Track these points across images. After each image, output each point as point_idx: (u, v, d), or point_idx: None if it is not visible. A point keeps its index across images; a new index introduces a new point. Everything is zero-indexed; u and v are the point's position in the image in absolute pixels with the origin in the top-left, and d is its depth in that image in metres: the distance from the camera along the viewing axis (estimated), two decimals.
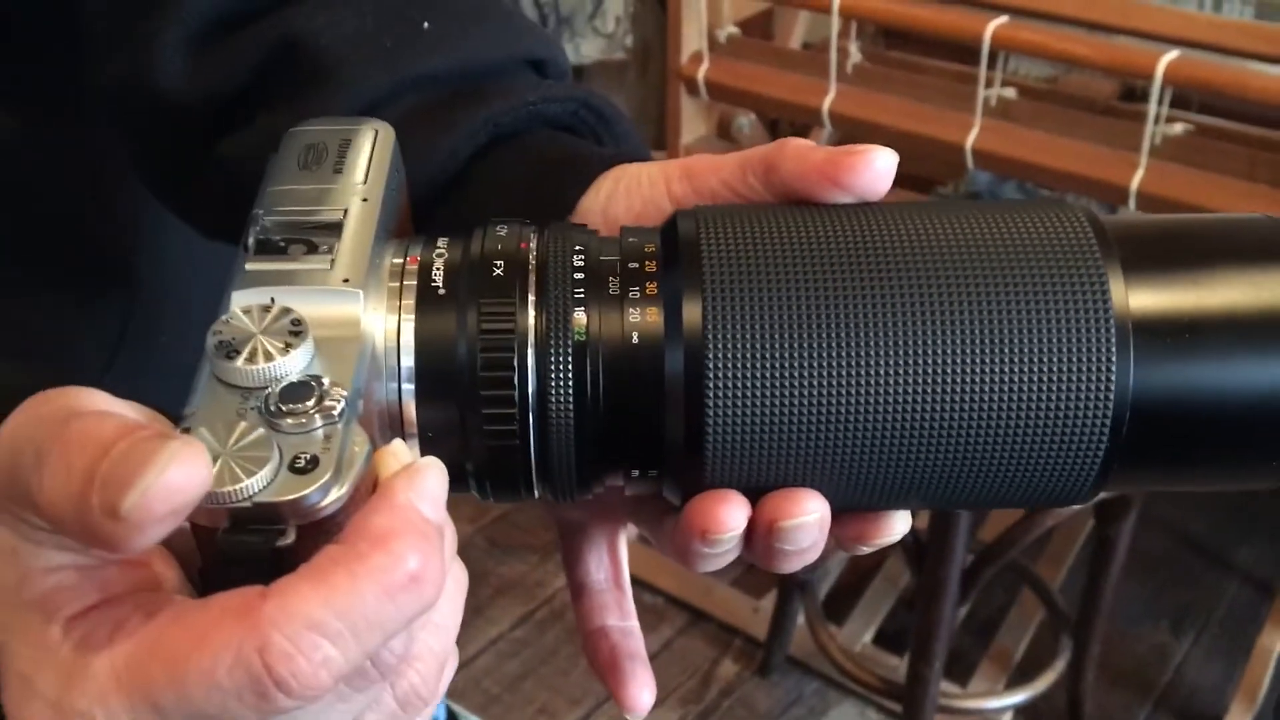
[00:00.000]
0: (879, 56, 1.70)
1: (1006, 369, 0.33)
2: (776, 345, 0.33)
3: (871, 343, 0.33)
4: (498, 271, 0.35)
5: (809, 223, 0.35)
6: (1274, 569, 1.85)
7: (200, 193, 0.46)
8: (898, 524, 0.37)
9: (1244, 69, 1.27)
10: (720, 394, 0.33)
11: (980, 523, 1.72)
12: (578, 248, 0.35)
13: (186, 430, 0.28)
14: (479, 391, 0.34)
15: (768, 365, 0.33)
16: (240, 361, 0.29)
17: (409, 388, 0.34)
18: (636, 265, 0.35)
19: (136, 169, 0.48)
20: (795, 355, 0.33)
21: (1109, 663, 1.74)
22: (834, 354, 0.33)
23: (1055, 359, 0.33)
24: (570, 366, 0.34)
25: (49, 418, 0.27)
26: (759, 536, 0.35)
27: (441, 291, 0.34)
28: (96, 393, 0.29)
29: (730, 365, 0.33)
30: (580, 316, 0.34)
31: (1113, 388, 0.33)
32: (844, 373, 0.33)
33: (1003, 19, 1.34)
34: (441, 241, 0.36)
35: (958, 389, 0.33)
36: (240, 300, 0.31)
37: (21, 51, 0.49)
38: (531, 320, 0.34)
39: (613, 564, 0.45)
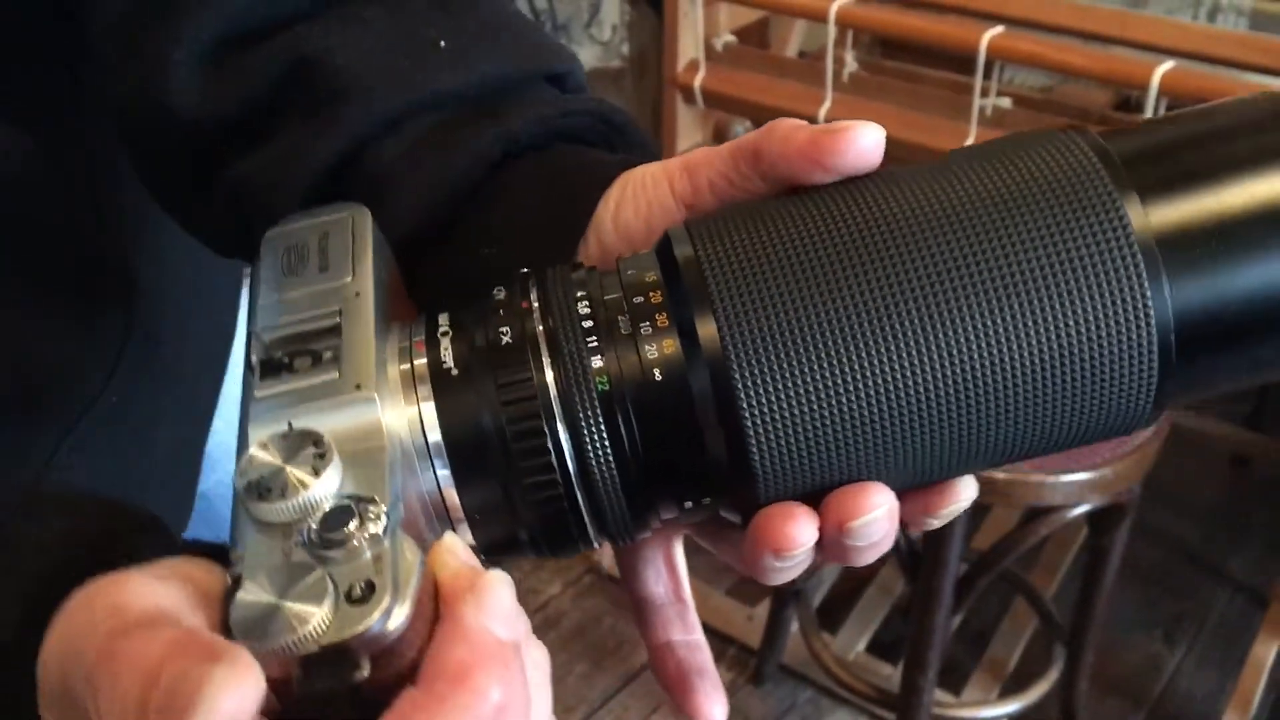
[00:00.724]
0: (875, 66, 1.71)
1: (1039, 320, 0.32)
2: (801, 344, 0.32)
3: (895, 322, 0.32)
4: (506, 339, 0.34)
5: (805, 212, 0.34)
6: (1267, 579, 1.85)
7: (212, 212, 0.45)
8: (964, 490, 0.36)
9: (1239, 80, 1.28)
10: (755, 407, 0.32)
11: (974, 532, 1.72)
12: (580, 295, 0.35)
13: (237, 578, 0.28)
14: (516, 464, 0.33)
15: (796, 367, 0.32)
16: (274, 500, 0.28)
17: (445, 473, 0.33)
18: (642, 299, 0.34)
19: (147, 188, 0.48)
20: (821, 350, 0.32)
21: (1102, 672, 1.74)
22: (860, 341, 0.32)
23: (1088, 298, 0.32)
24: (601, 418, 0.33)
25: (96, 628, 0.27)
26: (830, 538, 0.34)
27: (455, 372, 0.34)
28: (137, 580, 0.29)
29: (758, 375, 0.32)
30: (599, 364, 0.33)
31: (1151, 313, 0.32)
32: (873, 358, 0.32)
33: (998, 29, 1.35)
34: (442, 319, 0.35)
35: (989, 351, 0.32)
36: (258, 434, 0.30)
37: (21, 56, 0.49)
38: (551, 380, 0.33)
39: (671, 577, 0.44)
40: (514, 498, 0.34)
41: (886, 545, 0.35)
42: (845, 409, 0.32)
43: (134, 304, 0.57)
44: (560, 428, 0.33)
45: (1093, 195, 0.32)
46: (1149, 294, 0.32)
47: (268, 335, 0.33)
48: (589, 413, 0.33)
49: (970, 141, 1.38)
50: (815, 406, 0.32)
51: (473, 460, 0.33)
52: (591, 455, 0.33)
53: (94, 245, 0.55)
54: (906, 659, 1.49)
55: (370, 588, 0.27)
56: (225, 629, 0.27)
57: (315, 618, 0.26)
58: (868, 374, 0.32)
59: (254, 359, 0.33)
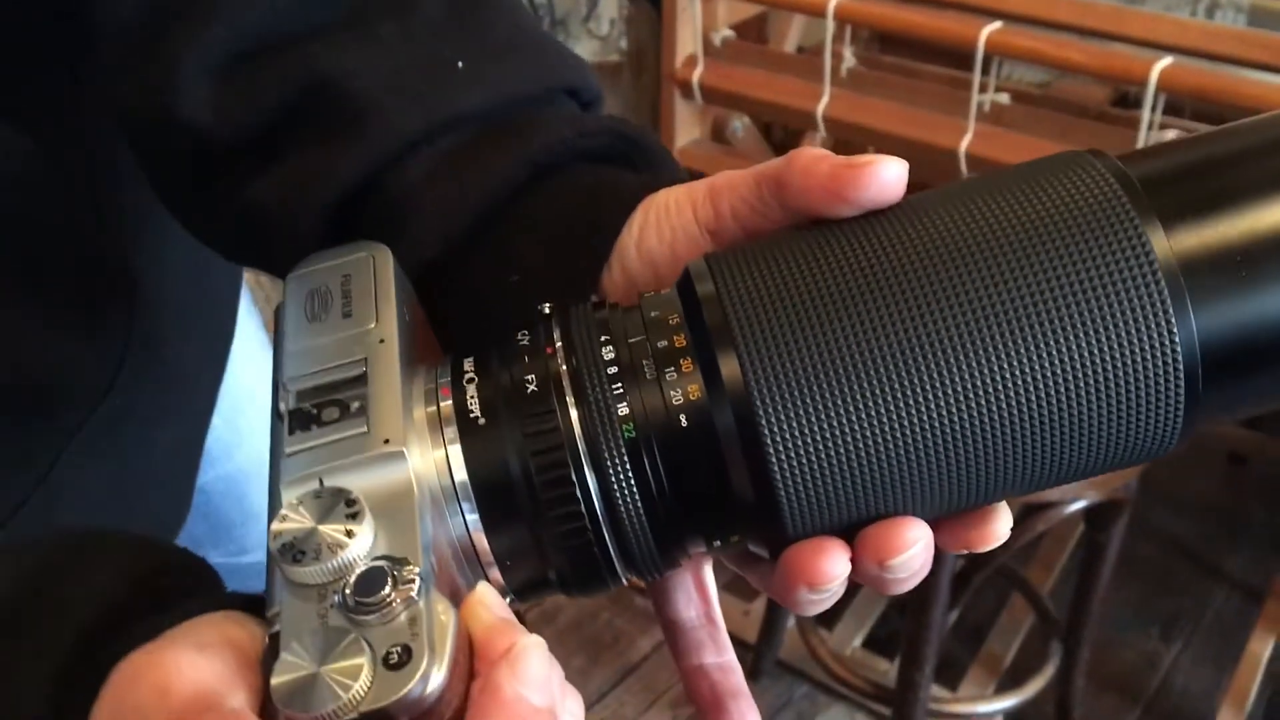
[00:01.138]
0: (873, 61, 1.71)
1: (1064, 350, 0.32)
2: (824, 381, 0.32)
3: (920, 357, 0.32)
4: (531, 387, 0.34)
5: (827, 246, 0.34)
6: (1263, 576, 1.85)
7: (222, 223, 0.45)
8: (1001, 525, 0.36)
9: (1237, 76, 1.27)
10: (780, 445, 0.32)
11: None
12: (604, 338, 0.35)
13: (274, 637, 0.28)
14: (544, 511, 0.33)
15: (820, 404, 0.32)
16: (308, 564, 0.29)
17: (474, 519, 0.34)
18: (665, 343, 0.34)
19: (156, 193, 0.47)
20: (845, 387, 0.32)
21: (1098, 668, 1.75)
22: (885, 377, 0.32)
23: (1112, 327, 0.32)
24: (628, 463, 0.33)
25: (144, 713, 0.28)
26: (869, 573, 0.34)
27: (481, 421, 0.34)
28: (180, 655, 0.29)
29: (783, 414, 0.32)
30: (624, 410, 0.33)
31: (1177, 340, 0.32)
32: (898, 393, 0.32)
33: (997, 25, 1.35)
34: (467, 364, 0.35)
35: (1014, 383, 0.32)
36: (290, 493, 0.31)
37: (20, 55, 0.49)
38: (577, 427, 0.33)
39: (702, 600, 0.44)
40: (543, 542, 0.34)
41: (924, 573, 0.35)
42: (871, 445, 0.32)
43: (135, 304, 0.57)
44: (588, 473, 0.33)
45: (1115, 223, 0.32)
46: (1174, 321, 0.32)
47: (294, 386, 0.33)
48: (616, 459, 0.33)
49: (968, 138, 1.39)
50: (840, 444, 0.32)
51: (502, 509, 0.33)
52: (620, 500, 0.33)
53: (94, 245, 0.55)
54: (903, 654, 1.49)
55: (408, 652, 0.27)
56: (265, 696, 0.28)
57: (355, 685, 0.27)
58: (893, 410, 0.32)
59: (283, 409, 0.33)
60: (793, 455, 0.32)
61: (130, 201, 0.55)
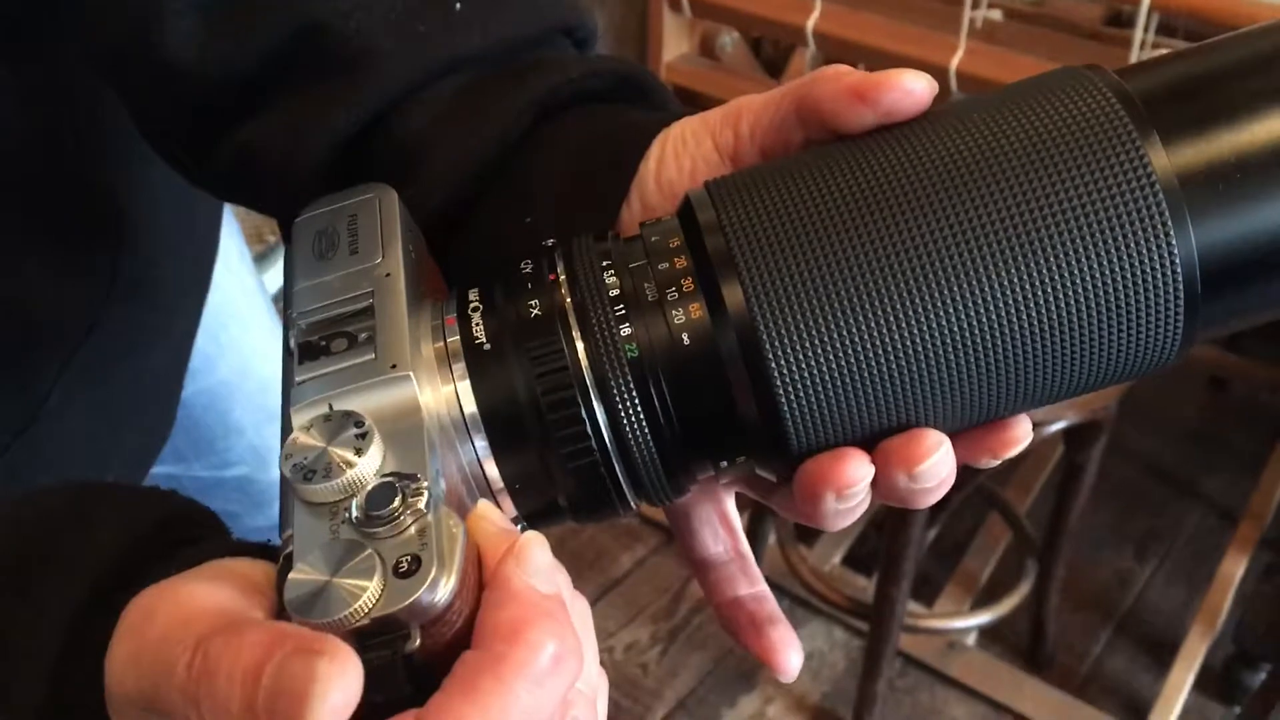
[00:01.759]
0: None
1: (1065, 264, 0.32)
2: (826, 297, 0.32)
3: (920, 271, 0.32)
4: (535, 312, 0.34)
5: (825, 165, 0.34)
6: (1239, 498, 1.87)
7: (214, 166, 0.44)
8: (1019, 430, 0.36)
9: None
10: (782, 362, 0.33)
11: None
12: (605, 264, 0.35)
13: (288, 557, 0.29)
14: (553, 433, 0.34)
15: (823, 320, 0.32)
16: (319, 482, 0.29)
17: (483, 445, 0.34)
18: (666, 265, 0.34)
19: (143, 136, 0.47)
20: (847, 301, 0.32)
21: (1073, 587, 1.77)
22: (885, 291, 0.32)
23: (1112, 241, 0.32)
24: (632, 384, 0.34)
25: (171, 641, 0.28)
26: (894, 485, 0.35)
27: (487, 347, 0.34)
28: (192, 586, 0.30)
29: (785, 332, 0.32)
30: (627, 332, 0.34)
31: (1176, 253, 0.32)
32: (897, 307, 0.32)
33: None
34: (472, 294, 0.36)
35: (1012, 298, 0.32)
36: (300, 418, 0.31)
37: None
38: (581, 350, 0.34)
39: (729, 534, 0.44)
40: (551, 466, 0.34)
41: (950, 483, 0.35)
42: (874, 361, 0.33)
43: (121, 232, 0.57)
44: (593, 395, 0.34)
45: (1114, 138, 0.32)
46: (1173, 234, 0.32)
47: (304, 320, 0.34)
48: (620, 380, 0.34)
49: (959, 55, 1.37)
50: (840, 359, 0.33)
51: (509, 432, 0.34)
52: (625, 421, 0.34)
53: (77, 174, 0.54)
54: (881, 571, 1.51)
55: (416, 561, 0.28)
56: (280, 611, 0.29)
57: (365, 592, 0.27)
58: (895, 326, 0.32)
59: (293, 343, 0.33)
60: (796, 372, 0.33)
61: (113, 130, 0.54)
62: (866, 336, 0.32)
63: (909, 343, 0.32)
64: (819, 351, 0.32)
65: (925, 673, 1.71)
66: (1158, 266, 0.32)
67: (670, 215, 0.36)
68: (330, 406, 0.32)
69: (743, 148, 0.38)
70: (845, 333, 0.32)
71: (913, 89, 0.35)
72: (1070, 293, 0.32)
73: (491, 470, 0.34)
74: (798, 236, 0.33)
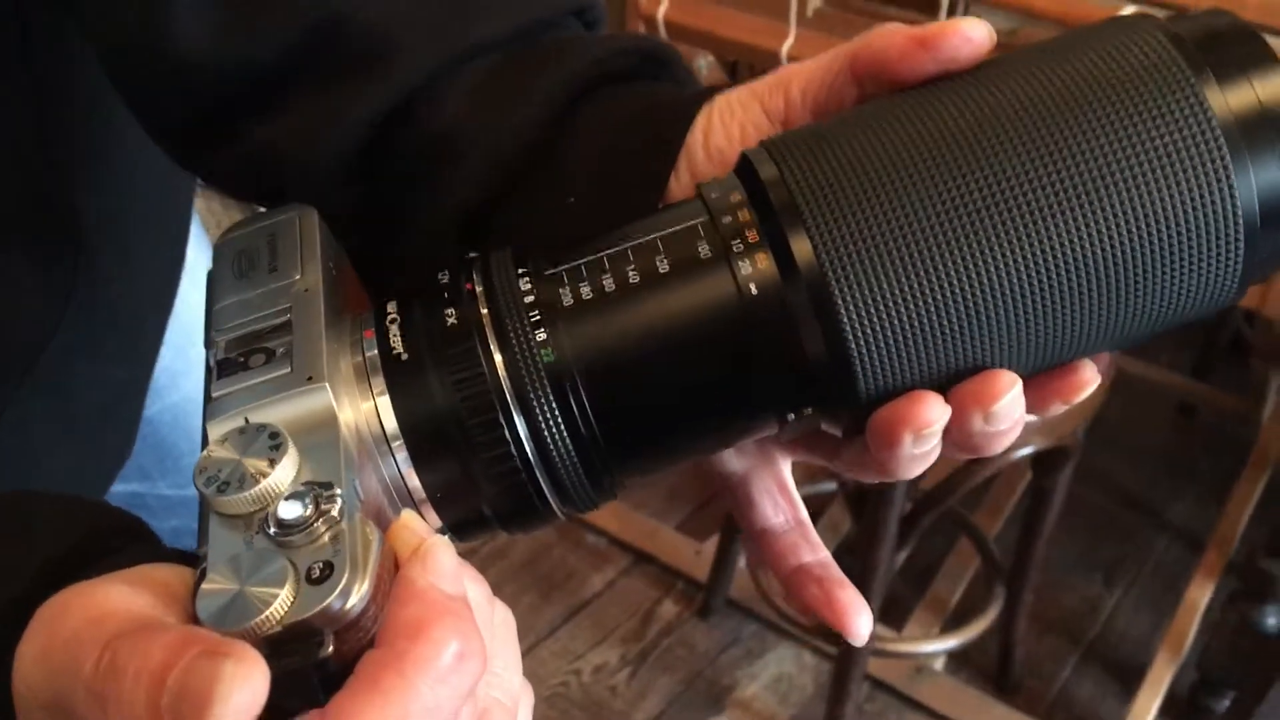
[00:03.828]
0: (840, 2, 1.69)
1: (1128, 207, 0.33)
2: (894, 243, 0.33)
3: (988, 217, 0.33)
4: (451, 320, 0.34)
5: (884, 114, 0.34)
6: (1206, 526, 1.89)
7: (227, 164, 0.44)
8: (1086, 373, 0.36)
9: None
10: (853, 310, 0.33)
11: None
12: (520, 270, 0.35)
13: (203, 571, 0.29)
14: (473, 440, 0.34)
15: (891, 266, 0.33)
16: (232, 493, 0.29)
17: (404, 456, 0.34)
18: (730, 219, 0.35)
19: (151, 135, 0.46)
20: (915, 247, 0.33)
21: (1041, 612, 1.78)
22: (954, 237, 0.33)
23: (1174, 183, 0.33)
24: (549, 387, 0.34)
25: (82, 639, 0.28)
26: (969, 428, 0.35)
27: (405, 357, 0.34)
28: (110, 588, 0.29)
29: (855, 280, 0.33)
30: (542, 336, 0.34)
31: (1236, 193, 0.33)
32: (966, 254, 0.33)
33: None
34: (391, 307, 0.36)
35: (1080, 242, 0.33)
36: (216, 430, 0.31)
37: None
38: (499, 361, 0.34)
39: (788, 503, 0.44)
40: (474, 474, 0.34)
41: (1019, 430, 0.35)
42: (943, 308, 0.33)
43: (82, 244, 0.56)
44: (512, 405, 0.34)
45: (1171, 81, 0.33)
46: (1233, 174, 0.33)
47: (223, 338, 0.34)
48: (535, 380, 0.34)
49: None
50: (910, 305, 0.33)
51: (430, 442, 0.34)
52: (542, 422, 0.34)
53: (40, 183, 0.53)
54: None
55: (330, 568, 0.28)
56: (194, 621, 0.28)
57: (277, 599, 0.27)
58: (962, 268, 0.33)
59: (212, 361, 0.33)
60: (868, 322, 0.33)
61: (80, 141, 0.54)
62: (936, 282, 0.33)
63: (979, 286, 0.33)
64: (889, 298, 0.33)
65: (893, 697, 1.71)
66: (1218, 205, 0.33)
67: (729, 173, 0.36)
68: (246, 420, 0.31)
69: (794, 112, 0.38)
70: (914, 279, 0.33)
71: (972, 35, 0.35)
72: (1135, 233, 0.33)
73: (414, 481, 0.34)
74: (861, 184, 0.33)
